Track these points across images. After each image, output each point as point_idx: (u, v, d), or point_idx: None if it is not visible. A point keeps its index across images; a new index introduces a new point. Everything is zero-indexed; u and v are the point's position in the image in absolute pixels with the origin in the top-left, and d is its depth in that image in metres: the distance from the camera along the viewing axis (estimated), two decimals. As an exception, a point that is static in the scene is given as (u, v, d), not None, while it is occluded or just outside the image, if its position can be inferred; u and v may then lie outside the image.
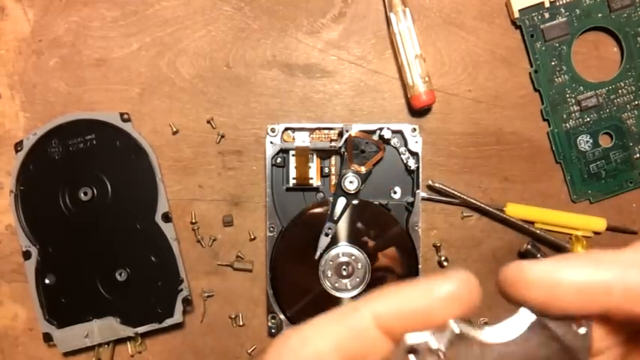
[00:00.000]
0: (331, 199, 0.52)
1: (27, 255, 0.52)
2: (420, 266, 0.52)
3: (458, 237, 0.55)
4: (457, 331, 0.19)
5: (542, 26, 0.53)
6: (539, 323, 0.19)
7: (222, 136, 0.54)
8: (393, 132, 0.52)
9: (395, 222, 0.52)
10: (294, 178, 0.52)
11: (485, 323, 0.48)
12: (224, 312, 0.55)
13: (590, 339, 0.19)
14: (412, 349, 0.19)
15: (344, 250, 0.51)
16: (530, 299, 0.19)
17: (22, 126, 0.55)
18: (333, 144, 0.52)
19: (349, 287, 0.52)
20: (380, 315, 0.19)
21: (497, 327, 0.19)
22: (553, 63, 0.53)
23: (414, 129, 0.52)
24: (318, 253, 0.51)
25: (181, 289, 0.52)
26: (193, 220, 0.54)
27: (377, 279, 0.51)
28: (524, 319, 0.19)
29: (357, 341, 0.20)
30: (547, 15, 0.53)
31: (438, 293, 0.19)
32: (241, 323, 0.55)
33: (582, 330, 0.19)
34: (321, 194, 0.53)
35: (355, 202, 0.52)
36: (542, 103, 0.54)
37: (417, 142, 0.52)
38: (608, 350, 0.21)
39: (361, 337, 0.20)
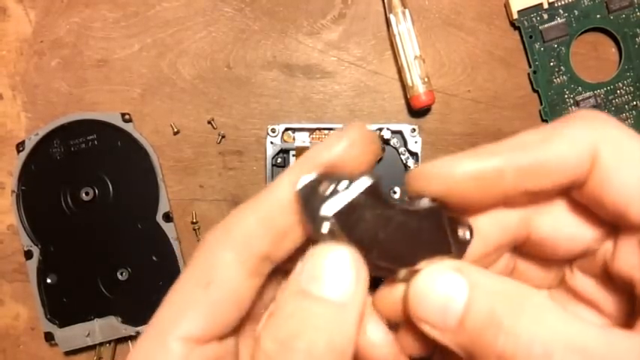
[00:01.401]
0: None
1: (28, 255, 0.52)
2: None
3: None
4: (369, 182, 0.20)
5: (540, 27, 0.53)
6: (437, 212, 0.21)
7: (223, 137, 0.55)
8: (393, 132, 0.52)
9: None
10: (294, 178, 0.53)
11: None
12: (225, 311, 0.55)
13: (469, 244, 0.22)
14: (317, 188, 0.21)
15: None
16: (432, 192, 0.21)
17: (24, 126, 0.55)
18: (333, 144, 0.53)
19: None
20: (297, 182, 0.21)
21: (402, 200, 0.22)
22: (552, 64, 0.54)
23: (414, 129, 0.52)
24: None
25: (182, 289, 0.52)
26: (194, 220, 0.54)
27: (377, 278, 0.51)
28: (426, 201, 0.21)
29: (282, 215, 0.21)
30: (546, 16, 0.53)
31: (338, 147, 0.21)
32: (242, 322, 0.55)
33: (467, 235, 0.22)
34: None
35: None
36: (541, 104, 0.54)
37: (416, 142, 0.52)
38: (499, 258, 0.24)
39: (286, 211, 0.21)
